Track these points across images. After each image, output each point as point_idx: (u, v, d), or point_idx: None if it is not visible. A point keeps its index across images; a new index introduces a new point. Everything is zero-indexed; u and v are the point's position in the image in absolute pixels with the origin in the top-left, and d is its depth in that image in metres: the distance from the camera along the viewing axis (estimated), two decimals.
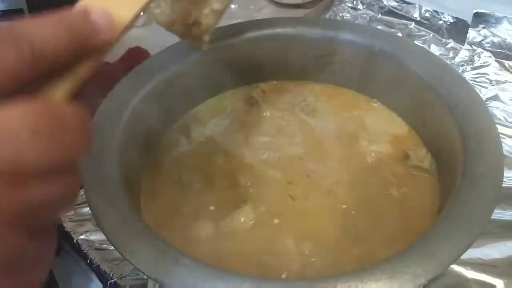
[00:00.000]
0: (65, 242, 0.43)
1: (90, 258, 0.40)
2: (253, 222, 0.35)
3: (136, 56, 0.57)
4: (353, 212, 0.36)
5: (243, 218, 0.35)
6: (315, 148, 0.41)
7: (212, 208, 0.36)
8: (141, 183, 0.39)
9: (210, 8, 0.33)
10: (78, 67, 0.20)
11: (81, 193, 0.44)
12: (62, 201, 0.18)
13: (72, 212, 0.43)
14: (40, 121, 0.16)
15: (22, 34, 0.17)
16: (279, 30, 0.45)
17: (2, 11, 0.60)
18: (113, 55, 0.58)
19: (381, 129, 0.42)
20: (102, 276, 0.39)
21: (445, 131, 0.36)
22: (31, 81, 0.18)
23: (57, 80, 0.19)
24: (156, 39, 0.65)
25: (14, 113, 0.16)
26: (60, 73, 0.19)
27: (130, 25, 0.22)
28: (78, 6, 0.21)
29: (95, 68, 0.20)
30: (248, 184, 0.38)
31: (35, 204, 0.17)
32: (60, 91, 0.19)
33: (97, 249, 0.40)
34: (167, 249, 0.27)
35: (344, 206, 0.36)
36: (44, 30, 0.18)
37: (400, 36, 0.61)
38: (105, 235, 0.28)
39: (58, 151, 0.17)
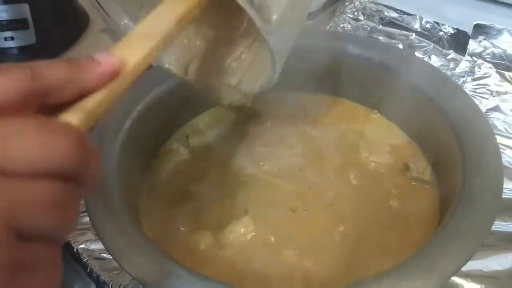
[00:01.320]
0: (65, 251, 0.43)
1: (90, 267, 0.40)
2: (252, 234, 0.35)
3: None
4: (353, 224, 0.35)
5: (243, 229, 0.35)
6: (316, 159, 0.41)
7: (211, 219, 0.36)
8: (140, 192, 0.39)
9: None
10: (87, 101, 0.21)
11: (82, 202, 0.45)
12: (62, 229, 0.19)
13: None
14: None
15: (28, 65, 0.20)
16: None
17: (7, 20, 0.60)
18: None
19: (381, 140, 0.42)
20: (102, 286, 0.39)
21: (445, 143, 0.36)
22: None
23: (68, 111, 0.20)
24: None
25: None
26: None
27: (144, 64, 0.24)
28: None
29: (109, 105, 0.22)
30: (248, 195, 0.38)
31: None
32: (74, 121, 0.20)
33: (97, 258, 0.40)
34: (165, 260, 0.27)
35: (344, 218, 0.36)
36: (48, 65, 0.20)
37: (400, 48, 0.61)
38: (104, 246, 0.28)
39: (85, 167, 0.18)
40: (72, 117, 0.20)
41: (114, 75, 0.22)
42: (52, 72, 0.20)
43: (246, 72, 0.34)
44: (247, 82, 0.34)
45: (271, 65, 0.28)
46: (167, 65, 0.36)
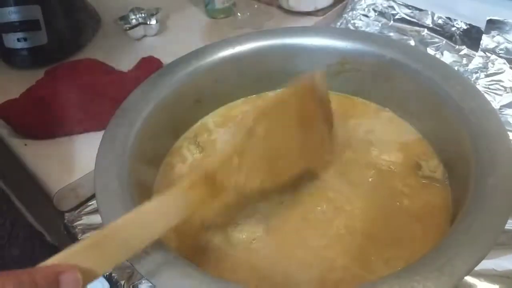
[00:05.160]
0: None
1: None
2: (264, 233, 0.35)
3: (149, 65, 0.58)
4: (365, 223, 0.35)
5: (253, 229, 0.35)
6: (328, 159, 0.40)
7: (221, 219, 0.36)
8: (152, 191, 0.40)
9: None
10: None
11: (93, 201, 0.46)
12: None
13: (81, 221, 0.44)
14: None
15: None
16: (287, 41, 0.45)
17: (19, 22, 0.61)
18: (127, 65, 0.59)
19: (392, 138, 0.42)
20: (114, 284, 0.39)
21: (457, 141, 0.36)
22: None
23: None
24: (169, 48, 0.66)
25: None
26: None
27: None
28: (53, 261, 0.23)
29: None
30: (258, 195, 0.38)
31: None
32: None
33: None
34: (175, 260, 0.27)
35: (356, 218, 0.36)
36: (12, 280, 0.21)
37: (411, 45, 0.60)
38: None
39: None
40: None
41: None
42: None
43: None
44: None
45: None
46: None
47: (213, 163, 0.29)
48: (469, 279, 0.37)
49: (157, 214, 0.27)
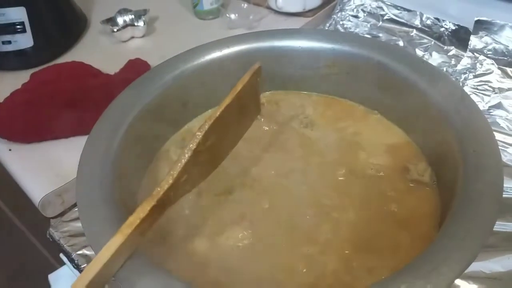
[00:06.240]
0: (64, 257, 0.43)
1: None
2: (251, 239, 0.35)
3: (136, 67, 0.58)
4: (353, 228, 0.35)
5: (241, 234, 0.35)
6: (316, 163, 0.40)
7: (208, 224, 0.36)
8: (137, 195, 0.39)
9: None
10: None
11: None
12: None
13: (67, 227, 0.44)
14: None
15: None
16: (275, 43, 0.45)
17: (4, 24, 0.60)
18: (114, 67, 0.59)
19: (381, 141, 0.42)
20: None
21: (445, 145, 0.36)
22: None
23: None
24: (156, 49, 0.65)
25: None
26: None
27: None
28: None
29: None
30: (247, 200, 0.38)
31: None
32: None
33: None
34: (159, 272, 0.27)
35: (344, 222, 0.35)
36: None
37: (399, 47, 0.60)
38: (94, 251, 0.28)
39: None
40: None
41: None
42: None
43: None
44: None
45: None
46: None
47: (164, 188, 0.29)
48: (458, 281, 0.37)
49: (120, 252, 0.27)
